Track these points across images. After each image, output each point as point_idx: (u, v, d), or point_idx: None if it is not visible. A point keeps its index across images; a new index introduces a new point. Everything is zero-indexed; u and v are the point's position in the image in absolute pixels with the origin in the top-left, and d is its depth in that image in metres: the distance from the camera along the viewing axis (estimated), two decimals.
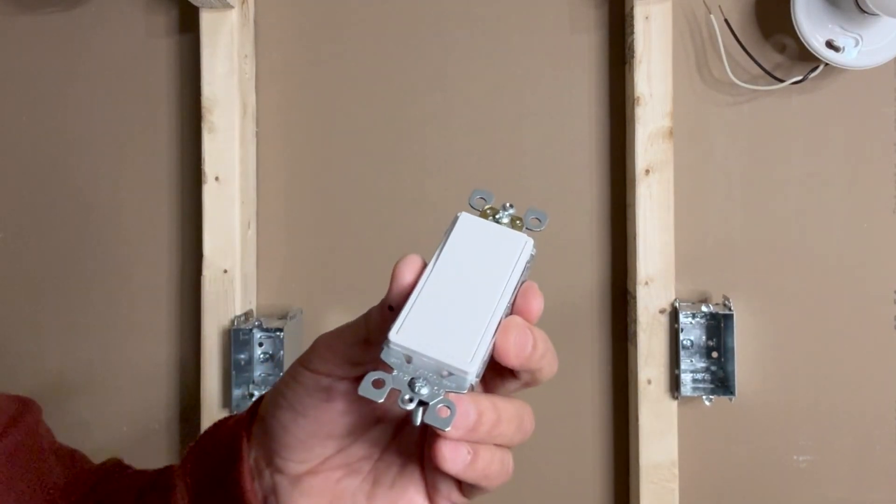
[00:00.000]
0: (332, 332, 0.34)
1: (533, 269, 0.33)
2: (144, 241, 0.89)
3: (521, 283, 0.32)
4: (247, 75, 0.85)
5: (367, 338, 0.33)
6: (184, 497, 0.38)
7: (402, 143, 0.87)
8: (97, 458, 0.49)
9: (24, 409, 0.46)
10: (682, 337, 0.79)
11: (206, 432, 0.40)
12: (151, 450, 0.89)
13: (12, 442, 0.43)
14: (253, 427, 0.36)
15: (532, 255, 0.33)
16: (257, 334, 0.82)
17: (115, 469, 0.48)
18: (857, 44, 0.76)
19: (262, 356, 0.82)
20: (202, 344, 0.82)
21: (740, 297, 0.83)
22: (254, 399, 0.40)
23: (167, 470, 0.42)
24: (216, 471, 0.37)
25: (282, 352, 0.80)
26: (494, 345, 0.30)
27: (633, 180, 0.79)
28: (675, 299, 0.79)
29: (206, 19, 0.82)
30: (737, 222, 0.84)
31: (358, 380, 0.33)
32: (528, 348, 0.31)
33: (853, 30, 0.76)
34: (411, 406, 0.29)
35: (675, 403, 0.80)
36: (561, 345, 0.85)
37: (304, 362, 0.34)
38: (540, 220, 0.34)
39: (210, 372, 0.82)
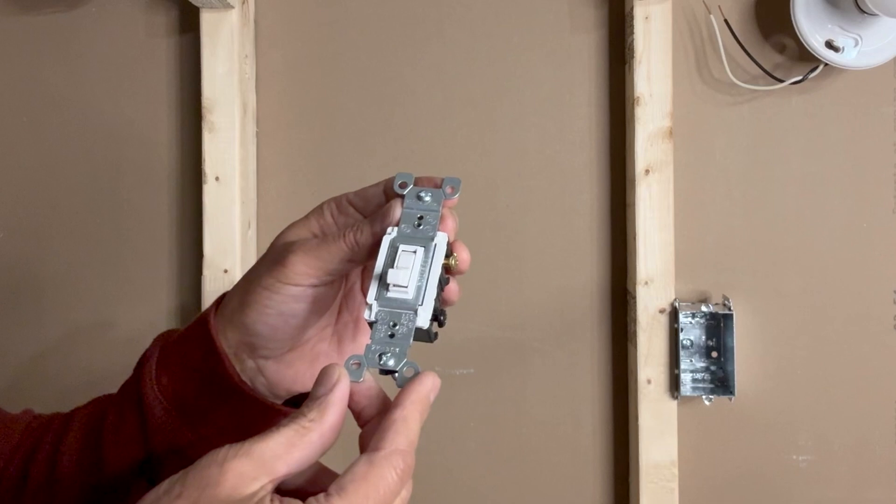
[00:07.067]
0: (305, 250, 0.39)
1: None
2: (144, 241, 0.89)
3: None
4: (247, 75, 0.85)
5: (352, 258, 0.39)
6: (162, 407, 0.43)
7: (402, 143, 0.87)
8: None
9: None
10: (681, 337, 0.79)
11: (166, 348, 0.44)
12: None
13: None
14: (227, 333, 0.42)
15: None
16: None
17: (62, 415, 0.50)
18: (856, 44, 0.77)
19: None
20: None
21: (740, 297, 0.83)
22: (204, 313, 0.45)
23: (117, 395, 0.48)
24: (200, 377, 0.42)
25: None
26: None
27: (633, 180, 0.79)
28: (675, 299, 0.79)
29: (207, 19, 0.82)
30: (737, 222, 0.84)
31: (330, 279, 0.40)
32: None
33: (853, 30, 0.76)
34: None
35: (674, 403, 0.80)
36: (561, 345, 0.86)
37: (280, 278, 0.39)
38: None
39: None
